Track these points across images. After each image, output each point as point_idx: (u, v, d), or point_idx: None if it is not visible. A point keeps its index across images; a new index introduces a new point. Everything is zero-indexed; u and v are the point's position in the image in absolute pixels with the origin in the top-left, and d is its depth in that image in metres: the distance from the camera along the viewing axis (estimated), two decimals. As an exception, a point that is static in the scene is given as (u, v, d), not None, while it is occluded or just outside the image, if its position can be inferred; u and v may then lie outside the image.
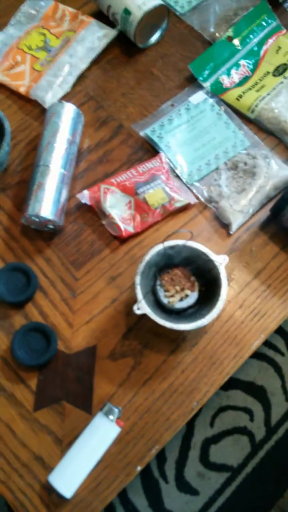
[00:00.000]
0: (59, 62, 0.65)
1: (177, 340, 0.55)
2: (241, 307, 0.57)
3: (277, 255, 0.59)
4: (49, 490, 0.49)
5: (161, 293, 0.53)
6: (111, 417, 0.50)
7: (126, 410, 0.52)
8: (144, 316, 0.50)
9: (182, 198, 0.59)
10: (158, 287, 0.54)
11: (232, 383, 1.07)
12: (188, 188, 0.61)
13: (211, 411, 1.04)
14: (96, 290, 0.57)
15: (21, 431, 0.51)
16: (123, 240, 0.59)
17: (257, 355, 1.09)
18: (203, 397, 0.53)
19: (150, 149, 0.64)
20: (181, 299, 0.53)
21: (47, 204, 0.56)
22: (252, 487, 0.98)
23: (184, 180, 0.61)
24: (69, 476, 0.48)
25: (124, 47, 0.69)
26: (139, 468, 0.50)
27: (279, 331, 1.12)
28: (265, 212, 0.60)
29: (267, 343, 1.10)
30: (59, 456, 0.50)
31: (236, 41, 0.67)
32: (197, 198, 0.61)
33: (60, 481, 0.48)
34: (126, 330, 0.56)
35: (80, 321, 0.56)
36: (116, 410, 0.50)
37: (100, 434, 0.50)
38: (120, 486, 0.50)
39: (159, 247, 0.51)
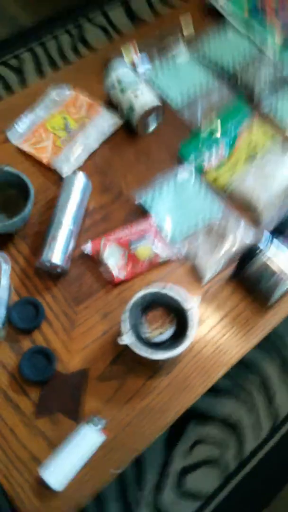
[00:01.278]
0: (76, 141, 0.83)
1: (155, 368, 0.68)
2: (209, 343, 0.70)
3: (240, 303, 0.73)
4: (43, 485, 0.59)
5: (143, 329, 0.67)
6: (97, 427, 0.62)
7: (110, 423, 0.64)
8: (128, 347, 0.63)
9: (165, 254, 0.74)
10: (141, 325, 0.67)
11: (209, 418, 1.17)
12: (171, 247, 0.76)
13: (189, 442, 1.13)
14: (91, 323, 0.71)
15: (22, 435, 0.63)
16: (116, 284, 0.73)
17: (233, 393, 1.20)
18: (175, 415, 0.65)
19: (143, 213, 0.79)
20: (160, 333, 0.66)
21: (57, 252, 0.70)
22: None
23: (168, 240, 0.76)
24: (60, 473, 0.59)
25: (128, 132, 0.87)
26: (119, 471, 0.61)
27: (254, 371, 1.23)
28: (232, 268, 0.75)
29: (244, 383, 1.21)
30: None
31: (216, 132, 0.85)
32: (178, 254, 0.76)
33: (52, 477, 0.59)
34: (114, 357, 0.68)
35: (76, 348, 0.69)
36: (102, 421, 0.62)
37: (88, 441, 0.61)
38: (102, 485, 0.61)
39: (143, 292, 0.65)
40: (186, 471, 1.11)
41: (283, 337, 1.29)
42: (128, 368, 0.68)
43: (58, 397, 0.65)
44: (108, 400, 0.65)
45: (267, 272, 0.67)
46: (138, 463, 1.11)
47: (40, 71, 1.72)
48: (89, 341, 0.69)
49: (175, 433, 1.15)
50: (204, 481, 1.10)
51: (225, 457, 1.13)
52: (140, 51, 0.94)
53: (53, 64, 1.74)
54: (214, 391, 1.21)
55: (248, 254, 0.69)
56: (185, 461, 1.12)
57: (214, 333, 0.71)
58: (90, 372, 0.67)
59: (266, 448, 1.16)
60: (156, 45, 0.95)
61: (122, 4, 1.95)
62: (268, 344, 1.28)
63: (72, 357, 0.68)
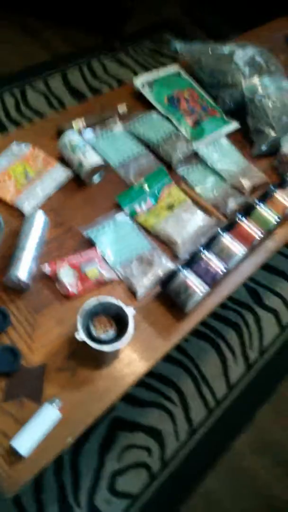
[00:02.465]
0: (34, 186, 1.04)
1: (99, 361, 0.87)
2: (141, 343, 0.91)
3: (164, 313, 0.96)
4: (13, 453, 0.74)
5: (92, 329, 0.87)
6: (54, 405, 0.79)
7: (65, 403, 0.81)
8: (80, 346, 0.82)
9: (108, 275, 0.96)
10: (91, 326, 0.87)
11: (136, 427, 1.34)
12: (113, 269, 0.98)
13: (119, 449, 1.29)
14: (49, 327, 0.89)
15: (-7, 414, 0.77)
16: (69, 297, 0.93)
17: (157, 405, 1.40)
18: (113, 396, 0.84)
19: (89, 244, 1.01)
20: (104, 333, 0.86)
21: (23, 270, 0.89)
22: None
23: (110, 264, 0.98)
24: (27, 441, 0.74)
25: (77, 182, 1.11)
26: (70, 439, 0.78)
27: (173, 386, 1.45)
28: (159, 288, 0.98)
29: (165, 396, 1.42)
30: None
31: (145, 187, 1.11)
32: (118, 276, 0.98)
33: (20, 445, 0.74)
34: (68, 354, 0.87)
35: (37, 347, 0.86)
36: (59, 402, 0.79)
37: (48, 417, 0.78)
38: (59, 450, 0.77)
39: (94, 301, 0.86)
40: (117, 473, 1.26)
41: (194, 358, 1.53)
42: (78, 362, 0.86)
43: (23, 385, 0.81)
44: (63, 386, 0.83)
45: (183, 287, 0.92)
46: (75, 469, 1.24)
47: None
48: (47, 342, 0.87)
49: (107, 440, 1.31)
50: (132, 481, 1.26)
51: (149, 460, 1.31)
52: (87, 122, 1.20)
53: (-3, 120, 1.96)
54: (141, 403, 1.40)
55: (171, 274, 0.93)
56: (116, 465, 1.27)
57: (145, 335, 0.92)
58: (49, 365, 0.84)
59: (184, 451, 1.35)
60: (97, 120, 1.22)
61: (60, 72, 2.26)
62: (183, 364, 1.51)
63: (34, 354, 0.85)
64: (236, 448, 1.41)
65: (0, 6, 2.43)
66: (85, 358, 0.87)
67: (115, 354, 0.89)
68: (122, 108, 1.26)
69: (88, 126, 1.21)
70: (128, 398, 1.40)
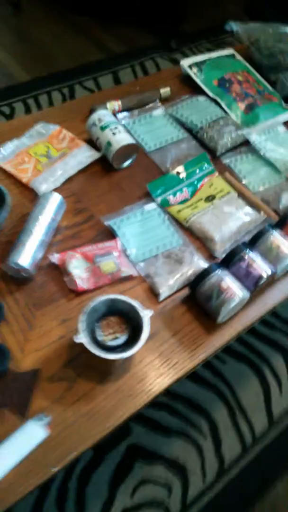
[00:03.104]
0: (55, 167, 0.91)
1: (105, 373, 0.71)
2: (159, 356, 0.74)
3: (191, 322, 0.78)
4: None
5: (99, 333, 0.71)
6: (41, 422, 0.63)
7: (55, 421, 0.65)
8: (83, 352, 0.66)
9: (127, 271, 0.80)
10: (97, 328, 0.71)
11: (156, 458, 1.15)
12: (133, 265, 0.82)
13: (133, 482, 1.10)
14: (49, 327, 0.74)
15: None
16: (78, 293, 0.78)
17: (182, 434, 1.20)
18: (117, 420, 0.67)
19: (110, 235, 0.86)
20: (112, 339, 0.70)
21: (26, 257, 0.75)
22: None
23: (131, 259, 0.82)
24: (1, 462, 0.59)
25: (104, 165, 0.97)
26: (55, 469, 0.62)
27: (204, 414, 1.24)
28: (187, 291, 0.81)
29: (193, 425, 1.22)
30: (-7, 450, 0.61)
31: (182, 175, 0.95)
32: (139, 273, 0.82)
33: (-10, 467, 0.59)
34: (67, 360, 0.71)
35: (31, 349, 0.71)
36: (46, 417, 0.64)
37: (31, 434, 0.62)
38: (38, 481, 0.60)
39: (104, 297, 0.70)
40: (128, 511, 1.07)
41: (231, 383, 1.32)
42: (79, 372, 0.70)
43: (7, 392, 0.66)
44: (56, 399, 0.67)
45: (216, 290, 0.73)
46: (81, 499, 1.07)
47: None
48: (45, 344, 0.72)
49: (121, 470, 1.12)
50: (145, 524, 1.07)
51: (168, 501, 1.11)
52: (123, 105, 1.07)
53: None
54: (164, 430, 1.21)
55: (202, 274, 0.75)
56: (128, 501, 1.08)
57: (164, 348, 0.75)
58: (42, 373, 0.69)
59: (210, 494, 1.14)
60: (135, 103, 1.08)
61: (111, 73, 2.18)
62: (218, 389, 1.31)
63: (25, 357, 0.70)
64: (273, 498, 1.17)
65: (54, 4, 2.41)
66: (88, 369, 0.71)
67: (124, 367, 0.72)
68: (165, 91, 1.12)
69: (124, 109, 1.07)
70: (150, 423, 1.21)
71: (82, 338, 0.66)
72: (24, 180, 0.89)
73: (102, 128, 0.93)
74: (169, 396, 1.27)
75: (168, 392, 1.27)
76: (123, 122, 1.04)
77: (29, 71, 2.05)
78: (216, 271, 0.75)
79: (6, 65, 2.09)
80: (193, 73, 1.15)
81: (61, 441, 0.64)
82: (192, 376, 1.32)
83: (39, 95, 1.96)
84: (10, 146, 0.94)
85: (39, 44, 2.24)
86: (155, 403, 1.25)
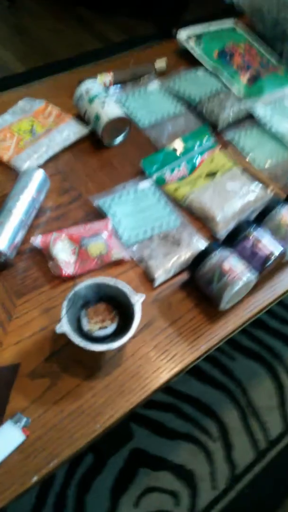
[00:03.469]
0: (39, 143, 0.83)
1: (93, 368, 0.62)
2: (155, 347, 0.65)
3: (191, 310, 0.69)
4: None
5: (85, 322, 0.62)
6: (18, 424, 0.54)
7: (35, 424, 0.56)
8: (68, 345, 0.58)
9: (117, 254, 0.71)
10: (83, 316, 0.62)
11: (162, 464, 1.06)
12: (125, 248, 0.74)
13: (138, 490, 1.01)
14: (30, 317, 0.65)
15: None
16: (63, 279, 0.69)
17: (189, 438, 1.10)
18: (107, 420, 0.58)
19: (100, 216, 0.78)
20: (100, 329, 0.61)
21: (3, 239, 0.67)
22: None
23: (123, 241, 0.74)
24: None
25: (93, 142, 0.88)
26: (35, 479, 0.53)
27: (213, 415, 1.15)
28: (185, 276, 0.72)
29: (201, 427, 1.12)
30: None
31: (180, 150, 0.86)
32: (131, 256, 0.73)
33: None
34: (49, 354, 0.62)
35: (10, 341, 0.63)
36: (24, 419, 0.55)
37: (6, 438, 0.54)
38: (13, 494, 0.52)
39: (88, 282, 0.62)
40: (130, 523, 0.98)
41: (242, 382, 1.22)
42: (63, 366, 0.61)
43: (-21, 390, 0.58)
44: (36, 398, 0.58)
45: (218, 272, 0.64)
46: (80, 508, 0.98)
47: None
48: (25, 335, 0.64)
49: (123, 477, 1.03)
50: (149, 536, 0.97)
51: (177, 510, 1.01)
52: (114, 79, 0.98)
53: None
54: (170, 434, 1.11)
55: (201, 255, 0.66)
56: (132, 511, 0.99)
57: (161, 339, 0.66)
58: (21, 368, 0.61)
59: (222, 503, 1.04)
60: (128, 76, 1.00)
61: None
62: (227, 389, 1.21)
63: (3, 351, 0.62)
64: (292, 507, 1.07)
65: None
66: (73, 363, 0.62)
67: (115, 360, 0.63)
68: (160, 63, 1.04)
69: (117, 83, 0.99)
70: (153, 425, 1.12)
71: (64, 327, 0.57)
72: (5, 158, 0.81)
73: (90, 100, 0.85)
74: (174, 396, 1.17)
75: (173, 391, 1.18)
76: (115, 96, 0.96)
77: (24, 62, 1.98)
78: (217, 251, 0.66)
79: (0, 56, 2.02)
80: (191, 46, 1.07)
81: (42, 445, 0.55)
82: (199, 374, 1.22)
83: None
84: (-9, 125, 0.87)
85: (35, 36, 2.18)
86: (159, 403, 1.16)
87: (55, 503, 1.00)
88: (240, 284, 0.63)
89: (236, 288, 0.63)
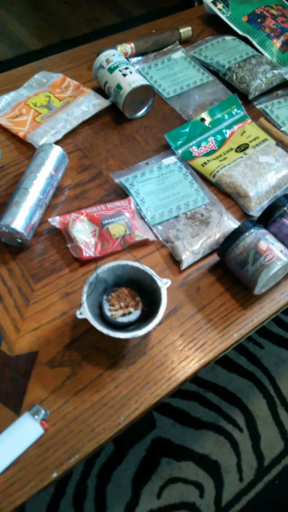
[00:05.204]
0: (56, 118, 0.78)
1: (116, 357, 0.57)
2: (182, 335, 0.60)
3: (221, 295, 0.63)
4: None
5: (107, 307, 0.57)
6: (36, 417, 0.51)
7: (54, 416, 0.52)
8: (89, 332, 0.53)
9: (141, 234, 0.66)
10: (105, 302, 0.58)
11: (185, 454, 1.02)
12: (150, 228, 0.68)
13: (160, 481, 0.97)
14: (49, 302, 0.61)
15: None
16: (83, 262, 0.65)
17: (215, 427, 1.06)
18: (132, 413, 0.53)
19: (122, 194, 0.72)
20: (124, 315, 0.57)
21: (19, 219, 0.62)
22: None
23: (146, 221, 0.68)
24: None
25: (114, 115, 0.83)
26: (55, 475, 0.49)
27: (239, 405, 1.10)
28: (215, 258, 0.66)
29: (227, 417, 1.08)
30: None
31: (207, 122, 0.80)
32: (156, 237, 0.68)
33: None
34: (70, 341, 0.58)
35: (27, 328, 0.59)
36: (43, 411, 0.51)
37: (23, 432, 0.50)
38: (32, 490, 0.48)
39: (112, 264, 0.57)
40: (153, 514, 0.95)
41: (271, 371, 1.17)
42: (84, 355, 0.57)
43: (-4, 380, 0.54)
44: (55, 389, 0.54)
45: (253, 253, 0.58)
46: (101, 500, 0.95)
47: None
48: (44, 321, 0.59)
49: (146, 467, 1.00)
50: (173, 528, 0.94)
51: (200, 502, 0.97)
52: (136, 50, 0.92)
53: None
54: (194, 423, 1.07)
55: (234, 235, 0.60)
56: (155, 502, 0.96)
57: (188, 326, 0.61)
58: (39, 356, 0.57)
59: (248, 496, 1.00)
60: (151, 45, 0.93)
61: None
62: (256, 378, 1.15)
63: (21, 338, 0.58)
64: None
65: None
66: (95, 351, 0.57)
67: (139, 349, 0.58)
68: (185, 30, 0.96)
69: (138, 53, 0.92)
70: (177, 414, 1.08)
71: (85, 313, 0.53)
72: (21, 134, 0.76)
73: (111, 70, 0.79)
74: (198, 384, 1.13)
75: (197, 379, 1.13)
76: (136, 67, 0.89)
77: (40, 39, 1.91)
78: (252, 230, 0.60)
79: (16, 33, 1.96)
80: (218, 10, 0.98)
81: (62, 439, 0.51)
82: (225, 362, 1.17)
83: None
84: (6, 98, 0.82)
85: (52, 11, 2.10)
86: (182, 391, 1.11)
87: (74, 493, 0.97)
88: (279, 265, 0.57)
89: (274, 270, 0.57)
